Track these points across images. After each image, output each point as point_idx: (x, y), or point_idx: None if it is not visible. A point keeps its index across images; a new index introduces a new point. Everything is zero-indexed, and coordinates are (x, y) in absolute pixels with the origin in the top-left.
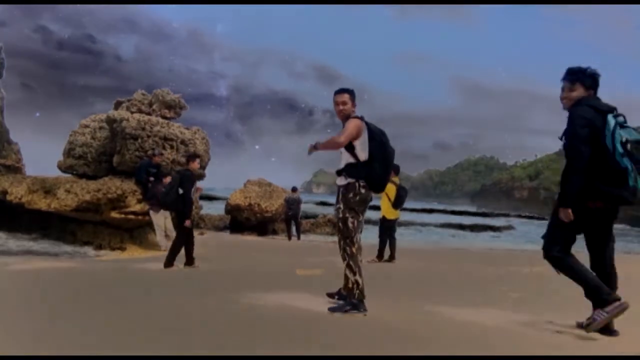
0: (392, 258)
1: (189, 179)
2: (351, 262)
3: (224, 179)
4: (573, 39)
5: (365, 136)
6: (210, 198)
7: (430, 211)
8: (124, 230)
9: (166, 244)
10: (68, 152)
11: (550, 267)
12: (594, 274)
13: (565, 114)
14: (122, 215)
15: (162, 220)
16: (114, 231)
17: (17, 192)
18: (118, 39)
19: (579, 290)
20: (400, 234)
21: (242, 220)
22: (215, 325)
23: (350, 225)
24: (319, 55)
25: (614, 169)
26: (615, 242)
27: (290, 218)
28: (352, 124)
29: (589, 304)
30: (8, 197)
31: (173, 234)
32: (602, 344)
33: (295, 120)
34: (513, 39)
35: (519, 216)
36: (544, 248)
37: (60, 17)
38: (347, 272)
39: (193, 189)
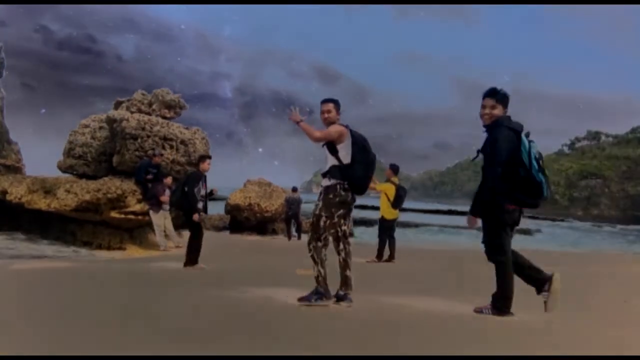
0: (391, 258)
1: (193, 178)
2: (314, 255)
3: (225, 178)
4: (573, 39)
5: (348, 141)
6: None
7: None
8: (123, 230)
9: (165, 244)
10: (68, 152)
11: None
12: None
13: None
14: (122, 215)
15: (162, 220)
16: (113, 231)
17: (17, 192)
18: (121, 39)
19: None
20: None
21: (241, 220)
22: (219, 324)
23: (321, 223)
24: (322, 56)
25: (531, 182)
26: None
27: (290, 218)
28: (333, 128)
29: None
30: (8, 197)
31: (172, 234)
32: (602, 344)
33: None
34: (513, 39)
35: (545, 218)
36: (487, 252)
37: (62, 17)
38: (312, 262)
39: (197, 189)
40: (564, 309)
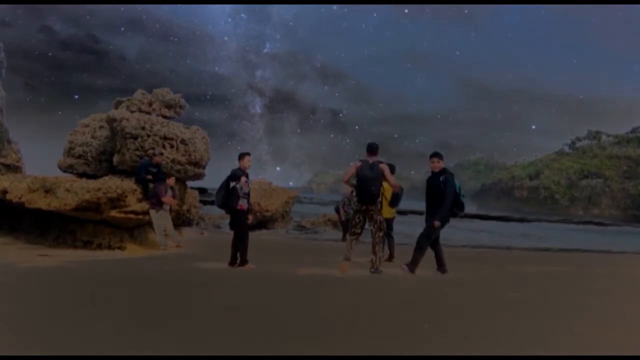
0: (391, 257)
1: (234, 174)
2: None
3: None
4: (574, 40)
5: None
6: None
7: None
8: (124, 229)
9: (166, 243)
10: (68, 152)
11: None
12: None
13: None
14: (122, 215)
15: (162, 219)
16: (114, 230)
17: (17, 192)
18: (148, 44)
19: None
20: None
21: None
22: (225, 321)
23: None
24: (353, 73)
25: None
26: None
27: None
28: (351, 166)
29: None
30: (8, 197)
31: (173, 233)
32: (602, 344)
33: (326, 144)
34: (514, 39)
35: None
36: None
37: (71, 17)
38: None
39: (239, 185)
40: (564, 308)
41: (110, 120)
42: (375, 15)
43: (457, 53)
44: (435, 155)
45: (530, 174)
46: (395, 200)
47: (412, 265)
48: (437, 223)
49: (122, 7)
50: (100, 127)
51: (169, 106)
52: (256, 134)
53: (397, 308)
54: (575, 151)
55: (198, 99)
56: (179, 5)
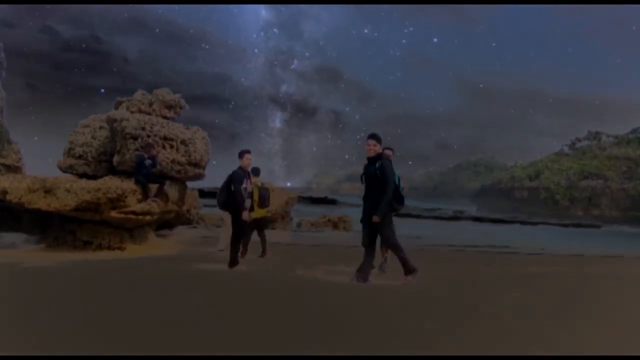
0: (263, 253)
1: (238, 176)
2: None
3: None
4: (574, 40)
5: None
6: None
7: None
8: (123, 229)
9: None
10: (68, 152)
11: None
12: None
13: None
14: (122, 215)
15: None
16: (113, 231)
17: (17, 192)
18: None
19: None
20: None
21: None
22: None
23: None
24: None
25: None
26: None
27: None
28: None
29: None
30: (8, 197)
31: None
32: (602, 344)
33: (339, 162)
34: (514, 40)
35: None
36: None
37: (76, 18)
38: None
39: (243, 186)
40: (563, 309)
41: (111, 121)
42: (404, 41)
43: (459, 54)
44: (372, 137)
45: (530, 174)
46: (263, 200)
47: (408, 270)
48: (376, 218)
49: (159, 9)
50: (101, 127)
51: (169, 107)
52: (272, 147)
53: (396, 308)
54: (575, 152)
55: (220, 107)
56: (213, 13)
